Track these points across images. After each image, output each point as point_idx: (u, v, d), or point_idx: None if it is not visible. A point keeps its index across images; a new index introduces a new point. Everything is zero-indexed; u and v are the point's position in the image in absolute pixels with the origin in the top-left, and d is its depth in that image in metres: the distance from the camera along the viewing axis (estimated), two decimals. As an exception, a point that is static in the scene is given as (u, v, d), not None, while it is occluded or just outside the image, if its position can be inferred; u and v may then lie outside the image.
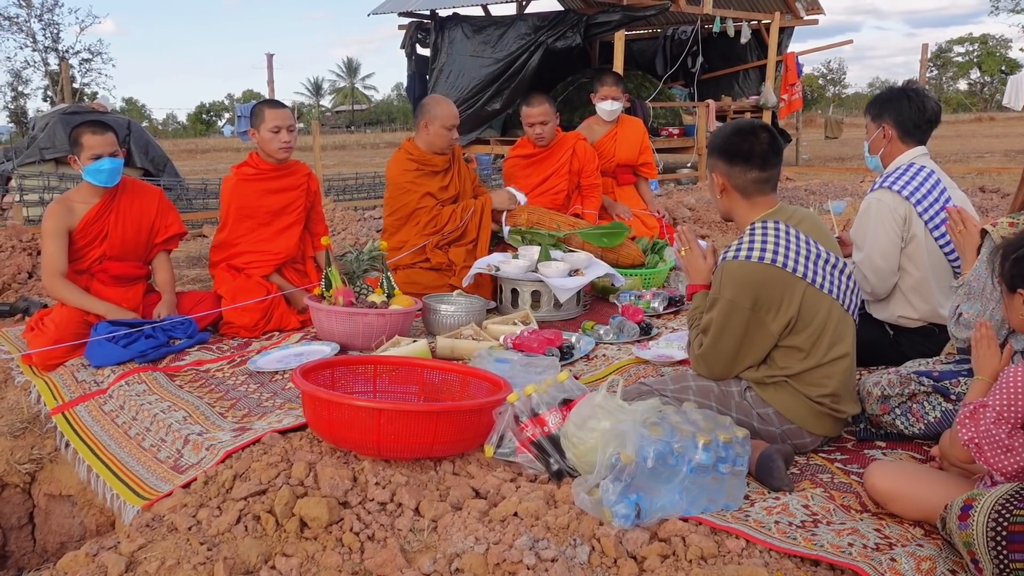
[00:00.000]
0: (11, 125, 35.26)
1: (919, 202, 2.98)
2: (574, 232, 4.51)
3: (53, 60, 31.84)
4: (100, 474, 2.68)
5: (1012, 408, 1.84)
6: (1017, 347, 2.19)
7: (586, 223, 4.72)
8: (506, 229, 4.48)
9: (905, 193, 2.98)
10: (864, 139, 3.29)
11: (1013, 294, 2.06)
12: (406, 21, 13.89)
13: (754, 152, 2.43)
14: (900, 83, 3.29)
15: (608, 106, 5.37)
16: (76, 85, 31.72)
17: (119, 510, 2.49)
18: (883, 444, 2.57)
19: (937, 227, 2.99)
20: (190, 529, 2.09)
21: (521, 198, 4.59)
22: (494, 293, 4.29)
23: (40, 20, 32.12)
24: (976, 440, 1.87)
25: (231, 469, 2.33)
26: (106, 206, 3.74)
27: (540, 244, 4.26)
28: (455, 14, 13.11)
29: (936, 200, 3.00)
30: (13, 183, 8.80)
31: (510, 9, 14.12)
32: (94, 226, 3.71)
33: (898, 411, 2.56)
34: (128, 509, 2.40)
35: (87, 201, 3.72)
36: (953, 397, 2.49)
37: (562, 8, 13.67)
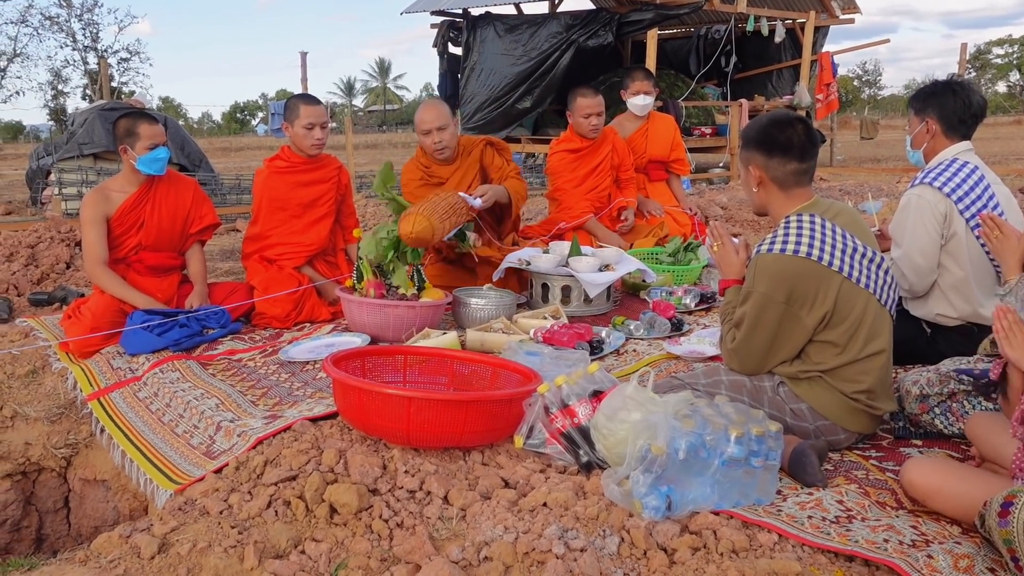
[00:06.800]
0: (51, 122, 35.94)
1: (960, 199, 2.91)
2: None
3: (92, 59, 32.35)
4: (134, 459, 2.71)
5: None
6: None
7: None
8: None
9: (946, 190, 2.91)
10: (906, 133, 3.21)
11: None
12: (438, 20, 13.95)
13: (793, 143, 2.39)
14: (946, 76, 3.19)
15: (640, 100, 5.33)
16: (114, 84, 32.22)
17: (152, 494, 2.52)
18: (919, 442, 2.52)
19: (979, 225, 2.90)
20: (221, 513, 2.10)
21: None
22: (524, 287, 4.28)
23: (80, 20, 32.68)
24: None
25: (262, 455, 2.35)
26: (143, 195, 3.79)
27: None
28: (487, 13, 13.13)
29: (979, 197, 2.93)
30: (52, 177, 8.98)
31: (542, 8, 14.11)
32: (131, 215, 3.76)
33: (937, 410, 2.51)
34: (161, 493, 2.43)
35: (124, 190, 3.78)
36: (994, 396, 2.43)
37: (594, 7, 13.62)
